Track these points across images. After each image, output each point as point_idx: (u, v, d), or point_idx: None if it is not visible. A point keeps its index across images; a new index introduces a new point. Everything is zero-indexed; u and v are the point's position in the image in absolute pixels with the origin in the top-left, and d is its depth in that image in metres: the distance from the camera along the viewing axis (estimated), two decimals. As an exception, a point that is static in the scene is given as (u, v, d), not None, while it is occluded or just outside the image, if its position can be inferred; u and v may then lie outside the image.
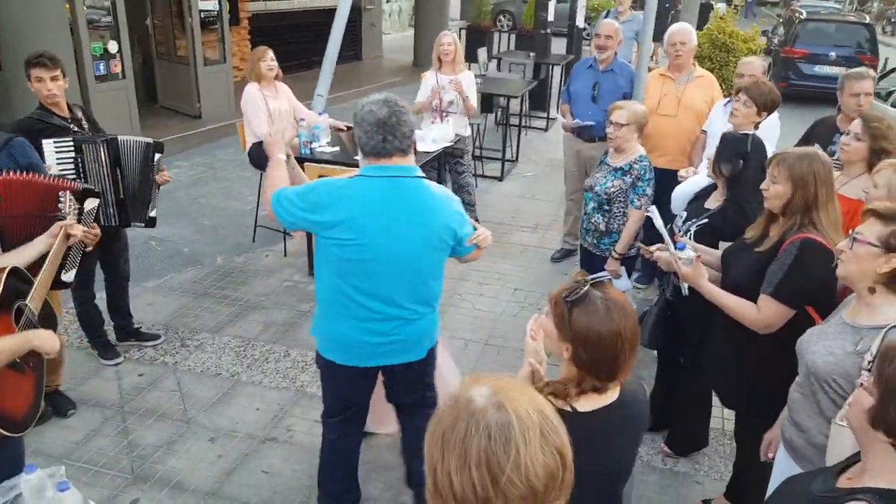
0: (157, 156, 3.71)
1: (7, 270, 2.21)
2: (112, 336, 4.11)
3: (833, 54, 11.86)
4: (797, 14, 14.10)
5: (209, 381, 3.87)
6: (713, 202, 3.07)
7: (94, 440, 3.37)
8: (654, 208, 3.05)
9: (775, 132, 3.97)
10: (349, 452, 2.87)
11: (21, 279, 2.30)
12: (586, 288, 1.63)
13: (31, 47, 5.93)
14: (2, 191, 2.67)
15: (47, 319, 2.42)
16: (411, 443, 2.91)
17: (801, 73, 11.84)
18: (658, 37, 5.69)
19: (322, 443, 2.85)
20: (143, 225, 3.78)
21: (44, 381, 2.36)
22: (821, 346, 2.02)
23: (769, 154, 2.83)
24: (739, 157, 2.88)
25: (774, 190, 2.44)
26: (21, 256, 2.45)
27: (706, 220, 3.00)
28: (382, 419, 3.24)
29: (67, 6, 6.75)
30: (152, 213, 3.79)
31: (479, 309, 4.77)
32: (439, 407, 1.10)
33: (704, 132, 4.34)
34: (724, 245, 2.83)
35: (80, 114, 3.62)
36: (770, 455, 2.39)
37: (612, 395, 1.66)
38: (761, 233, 2.57)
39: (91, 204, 2.99)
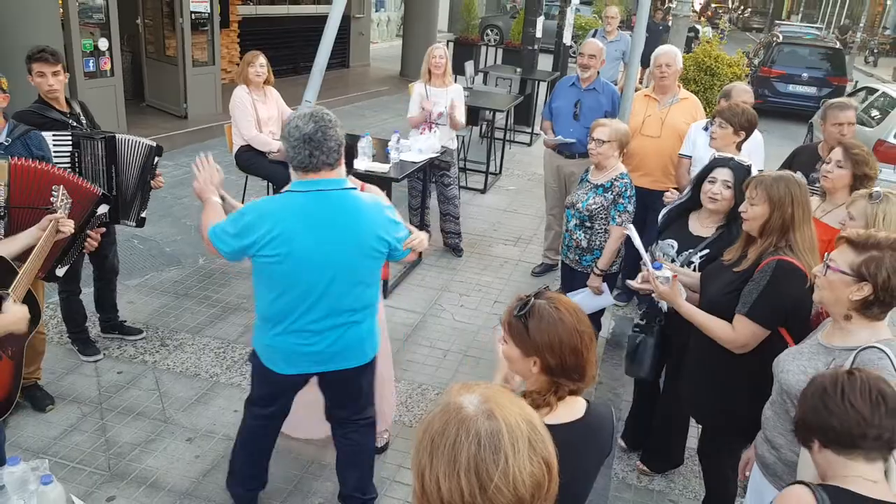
0: (157, 159, 3.74)
1: None
2: (96, 328, 4.12)
3: (805, 75, 12.90)
4: (775, 38, 15.19)
5: (188, 381, 3.88)
6: (700, 229, 3.06)
7: (71, 436, 3.37)
8: (632, 227, 3.11)
9: (760, 149, 4.06)
10: (263, 441, 2.91)
11: (5, 269, 2.33)
12: (532, 300, 1.67)
13: (21, 42, 5.96)
14: (22, 175, 2.75)
15: (30, 310, 2.43)
16: (346, 458, 2.94)
17: (776, 91, 12.81)
18: (644, 60, 5.81)
19: (241, 424, 2.90)
20: (133, 224, 3.80)
21: (22, 371, 2.37)
22: (795, 365, 2.08)
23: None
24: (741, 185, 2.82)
25: (752, 212, 2.50)
26: (7, 247, 2.47)
27: (708, 251, 2.98)
28: (299, 426, 3.30)
29: (59, 1, 6.74)
30: (143, 214, 3.81)
31: (459, 320, 4.83)
32: (429, 412, 1.12)
33: (686, 156, 4.38)
34: None
35: (78, 109, 3.65)
36: (747, 474, 2.43)
37: (577, 411, 1.66)
38: (740, 254, 2.63)
39: (103, 209, 3.07)
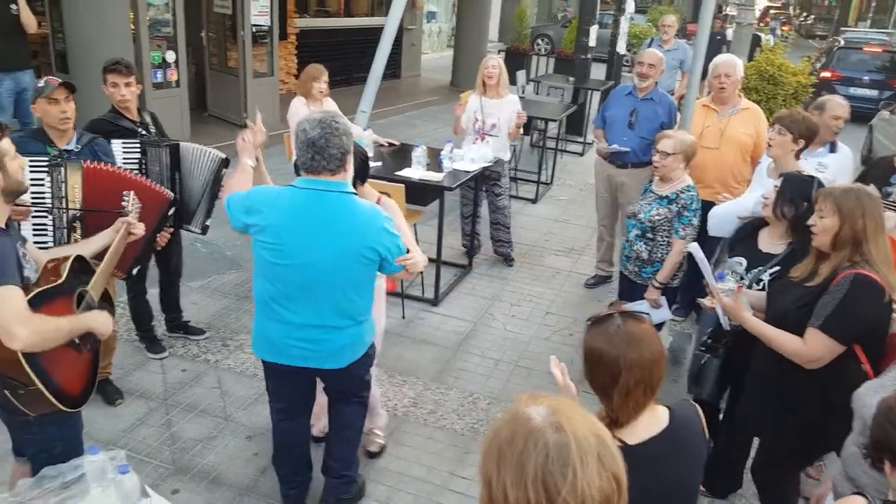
0: (225, 170, 3.85)
1: (72, 258, 2.38)
2: (162, 327, 4.31)
3: (866, 78, 13.35)
4: (836, 42, 15.50)
5: (247, 380, 4.01)
6: (770, 245, 2.98)
7: (139, 429, 3.53)
8: (695, 244, 3.04)
9: (848, 162, 3.92)
10: (290, 439, 3.01)
11: (84, 268, 2.47)
12: (612, 313, 1.66)
13: (96, 55, 6.26)
14: (95, 178, 2.94)
15: (105, 307, 2.57)
16: (333, 431, 3.04)
17: (836, 94, 12.83)
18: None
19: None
20: (198, 231, 3.94)
21: (98, 364, 2.51)
22: (877, 399, 1.96)
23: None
24: (805, 199, 2.80)
25: (822, 224, 2.43)
26: (85, 247, 2.62)
27: (779, 267, 2.89)
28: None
29: (131, 16, 7.07)
30: (207, 223, 3.94)
31: (511, 330, 4.84)
32: (496, 419, 1.14)
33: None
34: None
35: (148, 118, 3.84)
36: None
37: (660, 422, 1.65)
38: (810, 271, 2.54)
39: (171, 211, 3.27)
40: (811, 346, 2.40)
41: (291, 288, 2.58)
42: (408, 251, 2.67)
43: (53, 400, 2.18)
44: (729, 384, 3.16)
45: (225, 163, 3.86)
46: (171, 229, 3.68)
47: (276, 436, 3.02)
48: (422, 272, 3.22)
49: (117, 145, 3.56)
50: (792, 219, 2.85)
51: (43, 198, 3.03)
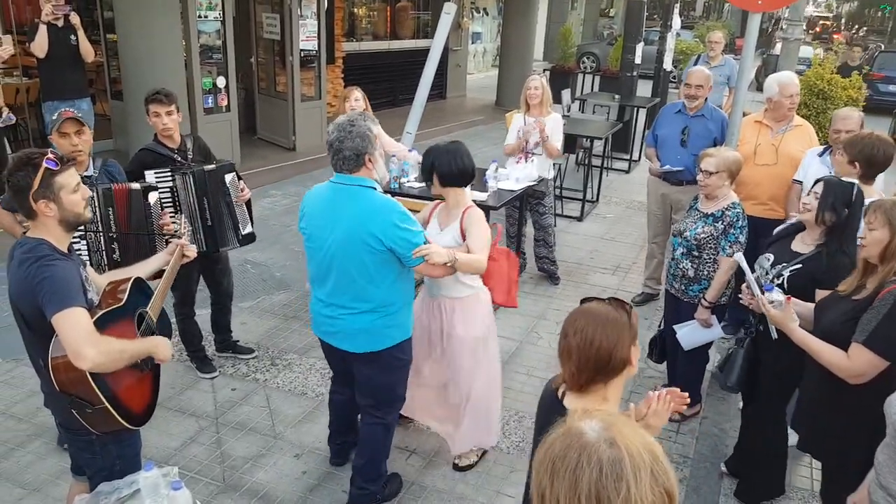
0: (229, 176, 3.85)
1: (132, 280, 2.46)
2: (212, 347, 4.39)
3: None
4: (878, 47, 19.07)
5: (296, 399, 4.06)
6: (801, 246, 3.03)
7: (190, 447, 3.60)
8: (740, 255, 3.09)
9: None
10: (334, 401, 3.41)
11: (142, 289, 2.54)
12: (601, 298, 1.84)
13: (149, 81, 6.51)
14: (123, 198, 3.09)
15: (163, 327, 2.65)
16: (359, 441, 3.24)
17: (878, 91, 15.38)
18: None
19: None
20: (238, 245, 3.97)
21: (159, 382, 2.57)
22: None
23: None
24: (845, 205, 2.84)
25: (872, 237, 2.43)
26: (143, 269, 2.70)
27: (800, 266, 2.95)
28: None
29: (183, 44, 7.33)
30: (245, 231, 3.96)
31: (557, 348, 4.78)
32: (549, 434, 1.14)
33: (798, 182, 4.22)
34: (819, 293, 2.80)
35: (189, 144, 3.86)
36: None
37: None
38: (857, 285, 2.54)
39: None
40: (854, 361, 2.40)
41: (318, 268, 2.91)
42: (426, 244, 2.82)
43: (119, 418, 2.24)
44: (757, 384, 3.18)
45: (228, 167, 3.87)
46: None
47: (330, 396, 3.44)
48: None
49: (150, 176, 3.57)
50: (831, 224, 2.88)
51: None
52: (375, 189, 2.82)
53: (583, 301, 1.84)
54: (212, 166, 3.82)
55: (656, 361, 4.14)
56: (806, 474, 3.61)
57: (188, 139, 3.91)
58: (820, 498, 2.95)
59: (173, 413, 3.86)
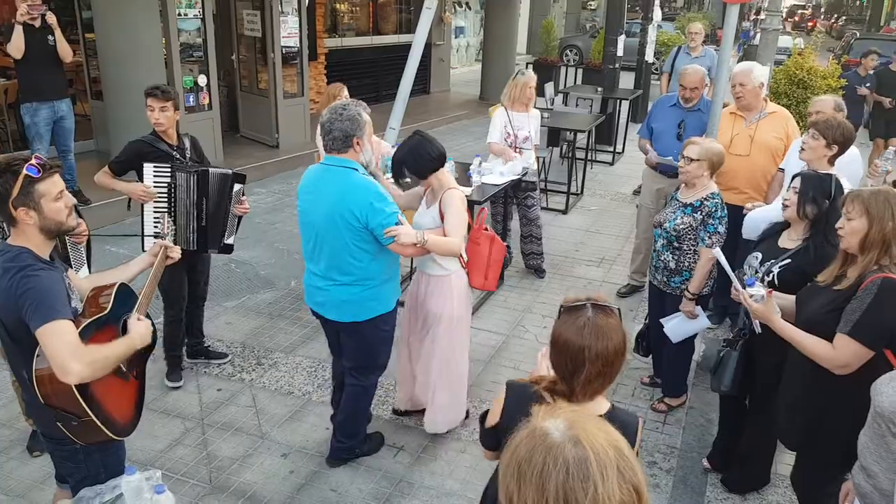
0: (238, 186, 3.88)
1: (116, 287, 2.42)
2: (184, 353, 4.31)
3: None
4: (853, 35, 18.66)
5: (282, 398, 4.04)
6: (788, 242, 3.04)
7: (175, 449, 3.57)
8: (717, 249, 3.10)
9: (856, 165, 3.86)
10: (336, 371, 3.61)
11: (127, 295, 2.50)
12: (585, 304, 1.72)
13: (130, 80, 6.45)
14: None
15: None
16: (343, 400, 3.46)
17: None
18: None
19: None
20: (217, 251, 3.96)
21: (145, 390, 2.54)
22: (891, 387, 2.00)
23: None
24: (826, 197, 2.85)
25: (850, 227, 2.43)
26: (125, 273, 2.66)
27: (789, 261, 2.95)
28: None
29: (163, 42, 7.25)
30: (228, 241, 3.97)
31: (543, 342, 4.77)
32: (513, 435, 1.13)
33: (782, 170, 4.26)
34: None
35: (187, 143, 3.88)
36: None
37: (600, 410, 1.77)
38: (837, 275, 2.55)
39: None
40: (840, 352, 2.40)
41: (308, 242, 3.14)
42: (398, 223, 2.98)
43: (105, 430, 2.21)
44: (752, 383, 3.17)
45: (237, 178, 3.88)
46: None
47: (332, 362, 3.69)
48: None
49: (148, 168, 3.64)
50: (813, 218, 2.89)
51: None
52: (358, 171, 2.99)
53: (564, 309, 1.76)
54: (227, 171, 3.86)
55: (643, 355, 4.16)
56: (790, 461, 3.64)
57: (186, 138, 3.91)
58: (792, 484, 2.96)
59: (158, 415, 3.83)
